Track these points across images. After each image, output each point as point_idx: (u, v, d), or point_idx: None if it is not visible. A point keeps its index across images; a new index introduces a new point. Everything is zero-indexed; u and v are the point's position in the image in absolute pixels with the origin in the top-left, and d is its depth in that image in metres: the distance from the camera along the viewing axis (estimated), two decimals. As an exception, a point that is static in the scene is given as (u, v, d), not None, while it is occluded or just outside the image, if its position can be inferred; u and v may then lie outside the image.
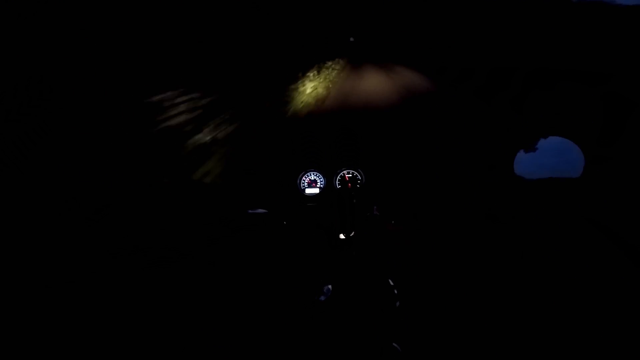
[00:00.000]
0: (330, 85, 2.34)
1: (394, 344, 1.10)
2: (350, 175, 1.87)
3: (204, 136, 2.10)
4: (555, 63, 2.22)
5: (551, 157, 1.79)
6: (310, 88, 2.26)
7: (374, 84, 2.32)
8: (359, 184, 1.80)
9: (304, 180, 1.92)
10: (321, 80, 2.31)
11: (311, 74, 2.26)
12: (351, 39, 2.31)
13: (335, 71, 2.38)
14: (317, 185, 1.90)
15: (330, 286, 1.28)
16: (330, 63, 2.34)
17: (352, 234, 1.43)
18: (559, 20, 2.22)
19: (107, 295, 1.58)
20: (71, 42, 2.07)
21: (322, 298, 1.27)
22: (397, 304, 1.23)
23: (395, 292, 1.26)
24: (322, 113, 2.24)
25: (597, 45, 2.15)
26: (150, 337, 1.35)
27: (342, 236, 1.44)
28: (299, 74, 2.24)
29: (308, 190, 1.89)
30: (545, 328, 1.24)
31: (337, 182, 1.86)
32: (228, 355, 1.25)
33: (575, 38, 2.19)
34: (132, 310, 1.49)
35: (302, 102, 2.25)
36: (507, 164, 1.86)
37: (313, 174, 1.94)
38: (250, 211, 1.71)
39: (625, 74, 2.05)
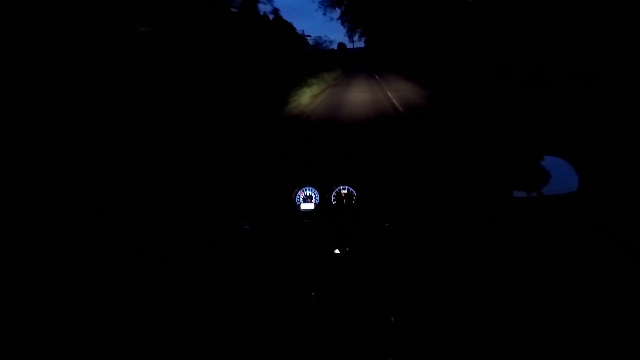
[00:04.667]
0: (324, 94, 2.36)
1: (389, 359, 1.10)
2: (346, 192, 1.87)
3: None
4: (555, 63, 2.22)
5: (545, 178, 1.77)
6: (309, 93, 2.27)
7: (366, 95, 2.31)
8: (354, 200, 1.80)
9: (299, 196, 1.92)
10: (317, 87, 2.32)
11: (311, 81, 2.28)
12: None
13: (328, 81, 2.40)
14: (312, 201, 1.90)
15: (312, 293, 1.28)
16: (325, 74, 2.37)
17: (347, 249, 1.43)
18: (559, 19, 2.22)
19: (107, 295, 1.58)
20: (71, 42, 2.07)
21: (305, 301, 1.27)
22: (392, 319, 1.22)
23: (391, 305, 1.26)
24: (316, 120, 2.25)
25: (597, 45, 2.15)
26: (150, 337, 1.35)
27: (337, 251, 1.44)
28: (304, 78, 2.26)
29: (303, 206, 1.89)
30: (545, 328, 1.24)
31: (333, 199, 1.86)
32: (228, 355, 1.26)
33: (576, 38, 2.20)
34: (132, 310, 1.49)
35: (300, 104, 2.25)
36: (507, 164, 1.86)
37: (308, 189, 1.94)
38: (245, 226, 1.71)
39: (625, 74, 2.05)
